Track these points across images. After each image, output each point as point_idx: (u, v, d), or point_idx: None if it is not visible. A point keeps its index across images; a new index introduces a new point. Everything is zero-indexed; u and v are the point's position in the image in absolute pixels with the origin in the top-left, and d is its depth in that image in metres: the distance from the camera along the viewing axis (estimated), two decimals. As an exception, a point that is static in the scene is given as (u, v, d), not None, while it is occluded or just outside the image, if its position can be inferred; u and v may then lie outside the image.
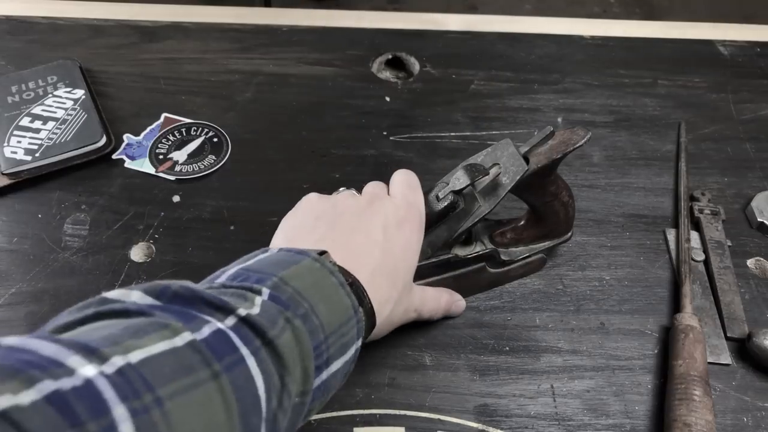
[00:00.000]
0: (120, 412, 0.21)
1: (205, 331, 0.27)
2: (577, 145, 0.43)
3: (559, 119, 0.67)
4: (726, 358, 0.48)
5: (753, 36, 0.78)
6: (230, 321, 0.28)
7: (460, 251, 0.48)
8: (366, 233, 0.41)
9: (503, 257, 0.50)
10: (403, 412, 0.45)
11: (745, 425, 0.45)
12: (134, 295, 0.28)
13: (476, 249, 0.49)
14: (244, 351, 0.27)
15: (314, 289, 0.33)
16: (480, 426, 0.44)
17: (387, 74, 0.72)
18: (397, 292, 0.40)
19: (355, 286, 0.36)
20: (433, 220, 0.45)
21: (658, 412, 0.45)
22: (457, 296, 0.49)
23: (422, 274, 0.46)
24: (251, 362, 0.27)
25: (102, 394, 0.22)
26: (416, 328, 0.48)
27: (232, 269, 0.34)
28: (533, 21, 0.80)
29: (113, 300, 0.28)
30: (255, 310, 0.29)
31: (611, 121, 0.67)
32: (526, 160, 0.44)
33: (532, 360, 0.48)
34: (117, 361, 0.23)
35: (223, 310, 0.29)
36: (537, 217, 0.50)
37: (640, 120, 0.68)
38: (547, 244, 0.51)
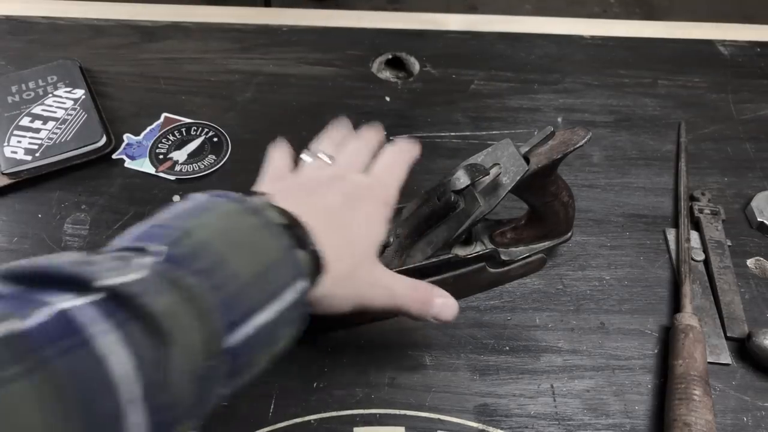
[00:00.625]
0: None
1: (37, 317, 0.23)
2: (578, 146, 0.43)
3: (560, 119, 0.67)
4: (726, 357, 0.48)
5: (753, 36, 0.78)
6: (92, 295, 0.25)
7: (460, 251, 0.48)
8: (324, 195, 0.40)
9: (503, 257, 0.50)
10: (403, 412, 0.45)
11: (744, 425, 0.45)
12: None
13: (476, 249, 0.49)
14: (96, 328, 0.24)
15: (225, 236, 0.31)
16: (480, 426, 0.44)
17: (387, 74, 0.72)
18: (354, 258, 0.39)
19: (294, 228, 0.34)
20: (433, 220, 0.45)
21: (658, 411, 0.45)
22: (445, 295, 0.44)
23: (423, 274, 0.46)
24: (107, 340, 0.24)
25: None
26: (416, 328, 0.49)
27: (144, 226, 0.31)
28: (533, 21, 0.80)
29: None
30: (129, 277, 0.26)
31: (611, 121, 0.67)
32: (527, 160, 0.44)
33: (532, 360, 0.48)
34: None
35: (81, 284, 0.25)
36: (537, 217, 0.50)
37: (640, 120, 0.68)
38: (547, 244, 0.51)
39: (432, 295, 0.43)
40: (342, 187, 0.41)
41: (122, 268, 0.27)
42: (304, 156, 0.45)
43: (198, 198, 0.34)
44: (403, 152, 0.45)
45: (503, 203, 0.45)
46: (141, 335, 0.25)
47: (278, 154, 0.46)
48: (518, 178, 0.43)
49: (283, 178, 0.43)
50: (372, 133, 0.47)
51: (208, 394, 0.29)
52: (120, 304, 0.25)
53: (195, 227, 0.30)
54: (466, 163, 0.46)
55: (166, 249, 0.29)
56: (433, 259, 0.46)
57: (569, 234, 0.52)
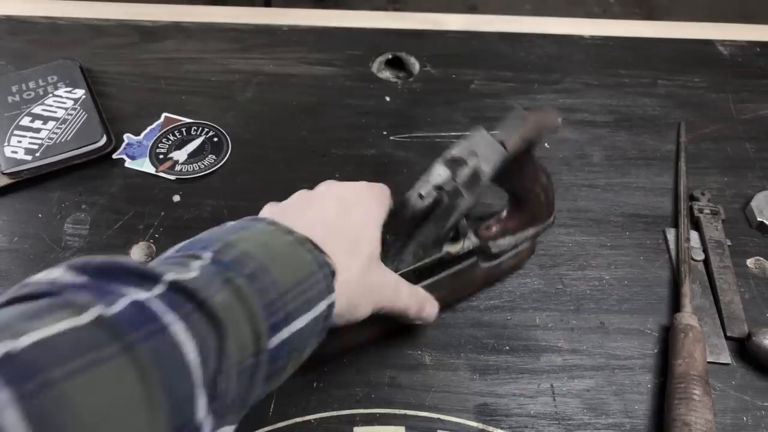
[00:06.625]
0: (3, 397, 0.21)
1: (119, 305, 0.26)
2: (554, 125, 0.44)
3: (559, 119, 0.67)
4: (726, 357, 0.48)
5: (753, 36, 0.78)
6: (158, 289, 0.28)
7: (451, 248, 0.48)
8: (319, 208, 0.41)
9: (493, 250, 0.49)
10: (403, 412, 0.45)
11: (744, 424, 0.45)
12: (55, 272, 0.27)
13: (465, 244, 0.48)
14: (169, 317, 0.27)
15: (266, 248, 0.34)
16: (480, 425, 0.44)
17: (387, 74, 0.72)
18: (359, 262, 0.40)
19: (316, 246, 0.36)
20: (419, 218, 0.44)
21: (658, 411, 0.45)
22: (432, 300, 0.46)
23: (418, 277, 0.46)
24: (178, 328, 0.27)
25: None
26: (416, 327, 0.49)
27: (184, 243, 0.34)
28: (533, 21, 0.80)
29: (31, 283, 0.27)
30: (189, 275, 0.29)
31: (611, 120, 0.67)
32: (503, 145, 0.43)
33: (532, 359, 0.48)
34: (2, 348, 0.22)
35: (148, 279, 0.28)
36: (519, 204, 0.49)
37: (640, 120, 0.68)
38: (532, 231, 0.50)
39: (426, 299, 0.45)
40: (334, 195, 0.42)
41: (182, 267, 0.30)
42: None
43: (230, 223, 0.37)
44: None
45: (483, 196, 0.44)
46: (204, 326, 0.28)
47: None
48: (498, 164, 0.43)
49: (276, 205, 0.44)
50: None
51: (249, 391, 0.32)
52: (184, 297, 0.28)
53: (236, 240, 0.33)
54: (443, 158, 0.45)
55: (212, 255, 0.32)
56: (426, 260, 0.46)
57: (552, 218, 0.51)
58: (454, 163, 0.44)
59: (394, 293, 0.43)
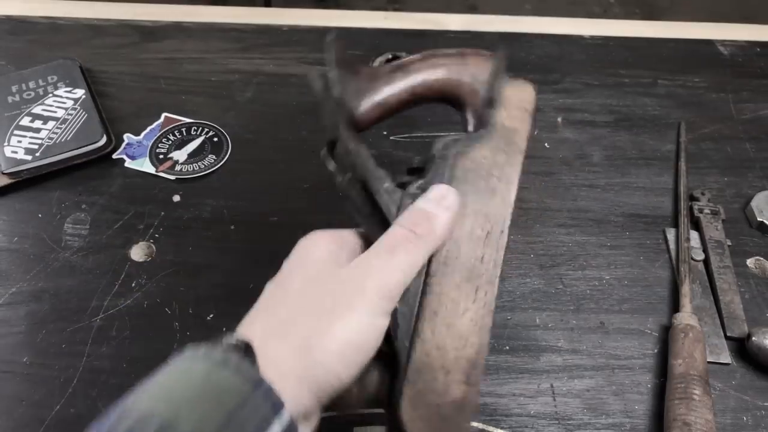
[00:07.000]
0: None
1: None
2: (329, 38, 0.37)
3: (559, 119, 0.67)
4: (726, 357, 0.48)
5: (753, 36, 0.78)
6: None
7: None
8: (265, 292, 0.35)
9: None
10: (403, 412, 0.45)
11: (744, 424, 0.45)
12: None
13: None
14: None
15: (173, 394, 0.27)
16: (480, 425, 0.44)
17: (387, 74, 0.72)
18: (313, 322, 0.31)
19: (248, 353, 0.29)
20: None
21: (658, 411, 0.45)
22: (437, 197, 0.35)
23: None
24: None
25: None
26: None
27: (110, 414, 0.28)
28: (533, 21, 0.80)
29: None
30: None
31: (611, 120, 0.67)
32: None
33: (532, 359, 0.48)
34: None
35: None
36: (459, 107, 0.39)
37: (640, 120, 0.68)
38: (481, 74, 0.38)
39: (424, 210, 0.34)
40: (281, 270, 0.35)
41: None
42: None
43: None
44: None
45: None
46: None
47: None
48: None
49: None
50: None
51: None
52: None
53: (135, 401, 0.27)
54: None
55: None
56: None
57: (494, 59, 0.38)
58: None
59: (382, 253, 0.33)
